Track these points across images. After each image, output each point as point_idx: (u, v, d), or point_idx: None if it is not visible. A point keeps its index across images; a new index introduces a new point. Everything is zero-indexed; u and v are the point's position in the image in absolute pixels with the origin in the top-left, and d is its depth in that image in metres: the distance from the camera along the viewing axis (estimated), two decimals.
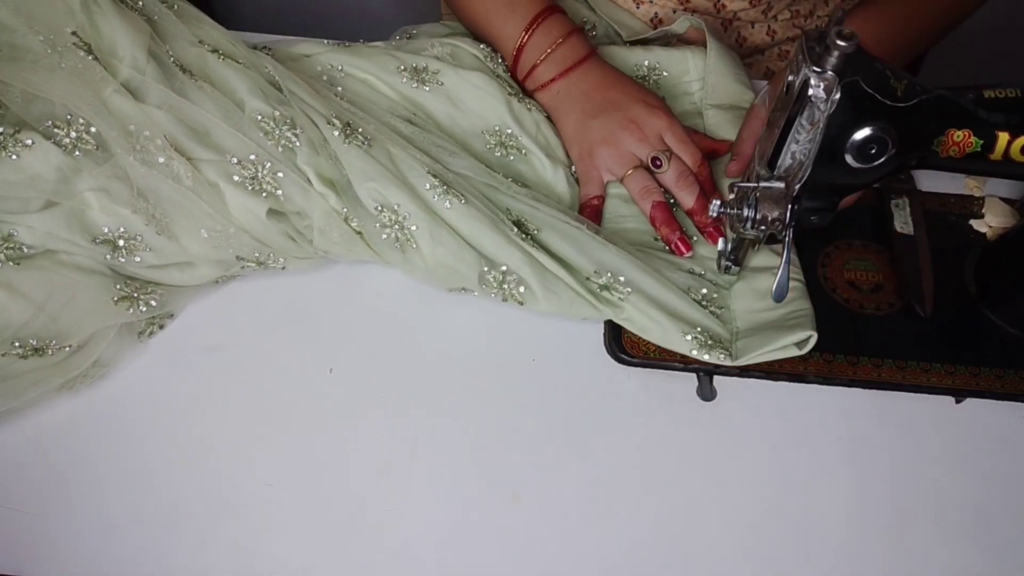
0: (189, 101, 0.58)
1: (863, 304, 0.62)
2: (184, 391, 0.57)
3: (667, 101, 0.70)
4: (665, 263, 0.62)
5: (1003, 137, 0.49)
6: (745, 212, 0.52)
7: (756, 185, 0.52)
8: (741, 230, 0.54)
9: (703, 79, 0.71)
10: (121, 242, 0.57)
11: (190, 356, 0.59)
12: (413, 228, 0.58)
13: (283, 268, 0.62)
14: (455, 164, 0.62)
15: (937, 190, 0.69)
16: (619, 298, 0.58)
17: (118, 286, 0.58)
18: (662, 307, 0.58)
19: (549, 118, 0.68)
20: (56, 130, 0.55)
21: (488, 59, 0.69)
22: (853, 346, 0.60)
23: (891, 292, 0.63)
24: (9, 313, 0.54)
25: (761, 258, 0.62)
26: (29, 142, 0.54)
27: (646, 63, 0.71)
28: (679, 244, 0.62)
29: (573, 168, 0.67)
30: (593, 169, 0.65)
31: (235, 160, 0.58)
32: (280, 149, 0.59)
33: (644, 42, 0.75)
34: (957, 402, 0.58)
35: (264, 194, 0.59)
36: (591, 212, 0.64)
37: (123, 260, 0.57)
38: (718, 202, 0.54)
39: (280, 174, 0.59)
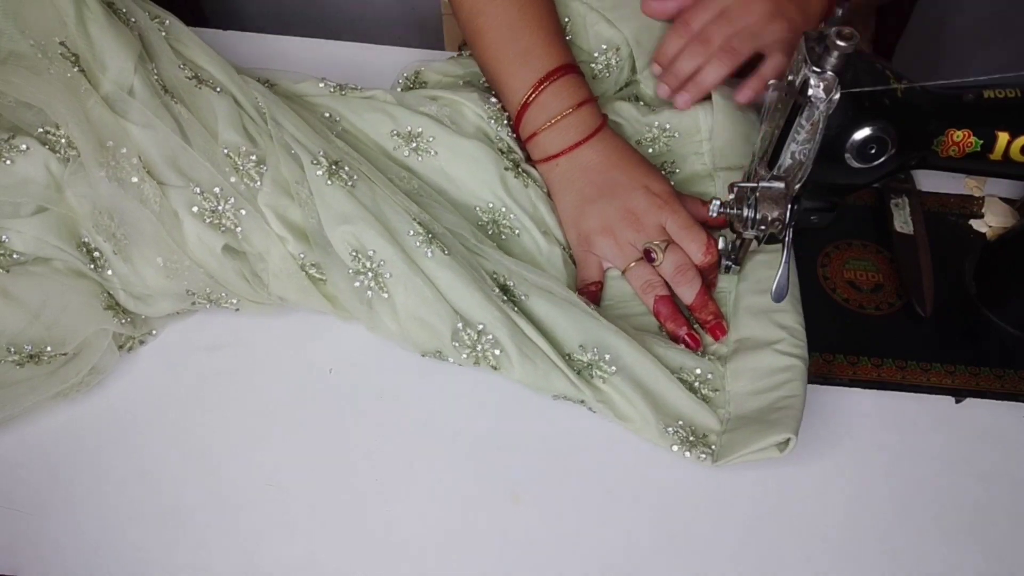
0: (165, 124, 0.57)
1: (863, 304, 0.62)
2: (184, 391, 0.57)
3: (678, 163, 0.67)
4: (658, 338, 0.59)
5: (1003, 137, 0.49)
6: (745, 212, 0.52)
7: (756, 185, 0.52)
8: (741, 230, 0.54)
9: (711, 139, 0.66)
10: (96, 253, 0.56)
11: (190, 356, 0.59)
12: (387, 276, 0.56)
13: (236, 310, 0.60)
14: (445, 218, 0.60)
15: (937, 190, 0.69)
16: (601, 378, 0.56)
17: (104, 295, 0.57)
18: (647, 393, 0.55)
19: (548, 192, 0.64)
20: (50, 136, 0.55)
21: (493, 120, 0.64)
22: (853, 346, 0.60)
23: (891, 292, 0.63)
24: (4, 320, 0.54)
25: (758, 327, 0.59)
26: (24, 147, 0.54)
27: (656, 124, 0.67)
28: (687, 340, 0.59)
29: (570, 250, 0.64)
30: (591, 256, 0.62)
31: (198, 190, 0.57)
32: (243, 187, 0.58)
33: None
34: (957, 402, 0.58)
35: (223, 229, 0.57)
36: (590, 297, 0.61)
37: (99, 271, 0.57)
38: (718, 202, 0.54)
39: (243, 211, 0.57)
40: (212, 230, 0.56)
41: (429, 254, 0.56)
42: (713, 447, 0.54)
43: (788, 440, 0.52)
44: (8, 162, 0.54)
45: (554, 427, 0.56)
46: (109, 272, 0.57)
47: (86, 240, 0.56)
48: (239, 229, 0.57)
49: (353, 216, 0.56)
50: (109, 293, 0.58)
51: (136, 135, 0.56)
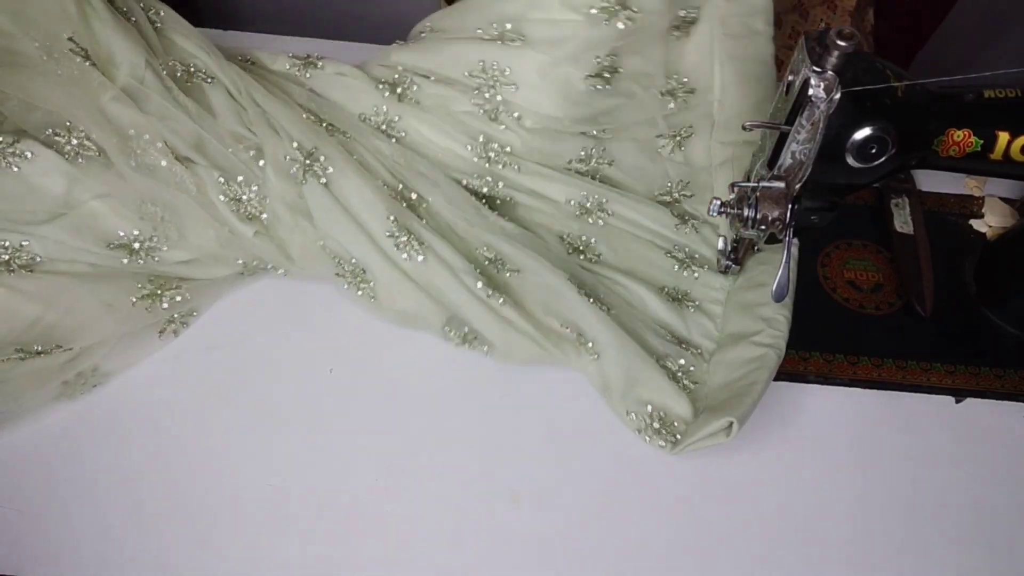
0: (182, 114, 0.58)
1: (863, 304, 0.62)
2: (184, 391, 0.57)
3: (696, 126, 0.65)
4: (646, 323, 0.59)
5: (1003, 137, 0.49)
6: (745, 212, 0.52)
7: (756, 185, 0.52)
8: (741, 229, 0.54)
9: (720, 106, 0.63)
10: (136, 245, 0.57)
11: (190, 356, 0.59)
12: (371, 283, 0.58)
13: (284, 274, 0.61)
14: (432, 194, 0.61)
15: (937, 190, 0.69)
16: (586, 352, 0.57)
17: (139, 284, 0.57)
18: (623, 373, 0.56)
19: (542, 138, 0.63)
20: (57, 137, 0.55)
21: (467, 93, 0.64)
22: (853, 346, 0.60)
23: (891, 292, 0.63)
24: (16, 319, 0.54)
25: (743, 322, 0.59)
26: (29, 154, 0.54)
27: (675, 76, 0.63)
28: None
29: (571, 163, 0.64)
30: None
31: (222, 179, 0.58)
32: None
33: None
34: (957, 402, 0.58)
35: (249, 217, 0.58)
36: None
37: (142, 262, 0.57)
38: (718, 202, 0.54)
39: (266, 199, 0.58)
40: (241, 220, 0.58)
41: (405, 257, 0.57)
42: (678, 436, 0.55)
43: (732, 425, 0.52)
44: (15, 168, 0.54)
45: (554, 427, 0.56)
46: (156, 258, 0.57)
47: (121, 234, 0.57)
48: (264, 216, 0.59)
49: (328, 220, 0.58)
50: (150, 279, 0.58)
51: (157, 127, 0.57)
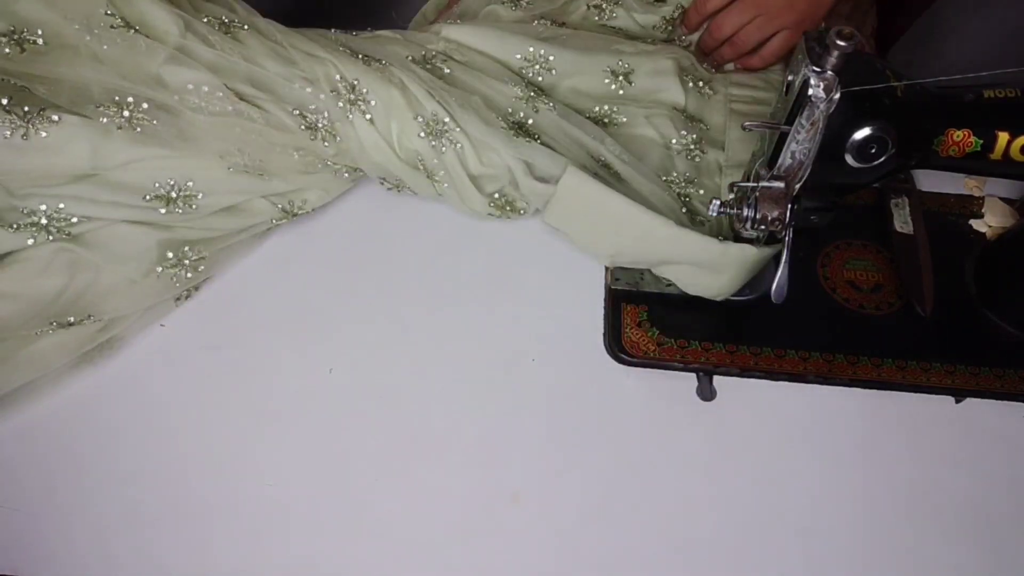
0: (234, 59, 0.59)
1: (863, 304, 0.62)
2: (184, 391, 0.57)
3: (706, 145, 0.68)
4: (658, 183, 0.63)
5: (1003, 137, 0.49)
6: (745, 212, 0.52)
7: (756, 185, 0.52)
8: (741, 230, 0.54)
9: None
10: (173, 194, 0.57)
11: (190, 356, 0.59)
12: (459, 145, 0.60)
13: (297, 213, 0.62)
14: (461, 115, 0.61)
15: (937, 190, 0.69)
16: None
17: (168, 254, 0.58)
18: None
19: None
20: (102, 109, 0.55)
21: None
22: (853, 346, 0.60)
23: (891, 292, 0.63)
24: (46, 290, 0.54)
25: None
26: (56, 118, 0.54)
27: (700, 121, 0.68)
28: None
29: (605, 108, 0.66)
30: None
31: (296, 111, 0.59)
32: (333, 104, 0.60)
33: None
34: (957, 402, 0.58)
35: (325, 143, 0.60)
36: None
37: (179, 211, 0.57)
38: (718, 202, 0.54)
39: (338, 123, 0.60)
40: (319, 144, 0.60)
41: (444, 150, 0.60)
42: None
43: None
44: (43, 134, 0.54)
45: (554, 427, 0.56)
46: (194, 207, 0.58)
47: (156, 185, 0.57)
48: (338, 139, 0.61)
49: (376, 152, 0.61)
50: (172, 250, 0.58)
51: (216, 78, 0.57)
